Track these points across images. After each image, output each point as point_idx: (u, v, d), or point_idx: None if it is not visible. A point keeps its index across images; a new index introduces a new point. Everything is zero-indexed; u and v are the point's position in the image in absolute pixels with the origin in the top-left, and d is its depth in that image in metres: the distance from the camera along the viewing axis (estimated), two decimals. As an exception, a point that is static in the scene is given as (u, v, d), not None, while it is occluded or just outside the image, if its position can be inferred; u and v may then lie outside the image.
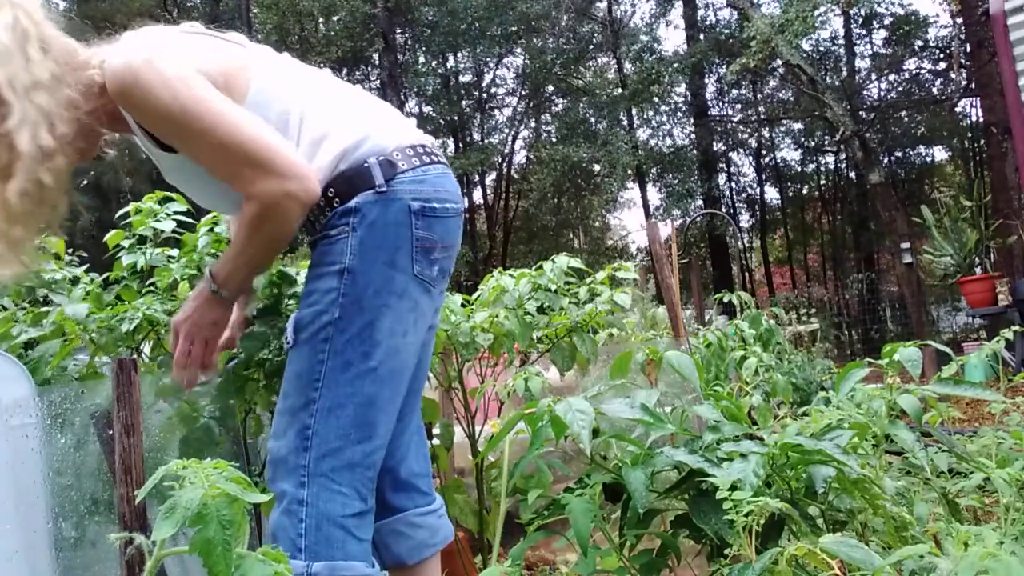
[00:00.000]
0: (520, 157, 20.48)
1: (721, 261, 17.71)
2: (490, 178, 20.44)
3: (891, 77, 18.22)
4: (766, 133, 20.35)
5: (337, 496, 1.24)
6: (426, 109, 18.66)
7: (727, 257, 18.47)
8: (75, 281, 1.78)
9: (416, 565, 1.45)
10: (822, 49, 17.59)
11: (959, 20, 12.07)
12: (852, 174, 19.36)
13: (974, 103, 16.22)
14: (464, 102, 19.29)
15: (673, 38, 48.62)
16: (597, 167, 16.93)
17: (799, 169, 21.23)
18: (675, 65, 15.52)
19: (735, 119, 20.02)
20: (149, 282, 1.81)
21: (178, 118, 1.20)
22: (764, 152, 20.79)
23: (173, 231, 1.80)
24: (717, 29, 17.40)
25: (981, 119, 12.62)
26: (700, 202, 17.00)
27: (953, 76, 16.15)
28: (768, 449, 1.19)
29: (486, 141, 19.10)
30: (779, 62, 12.81)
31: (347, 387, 1.26)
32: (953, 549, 0.91)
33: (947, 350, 1.66)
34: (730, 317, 5.01)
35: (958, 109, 18.06)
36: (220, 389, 1.53)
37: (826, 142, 18.89)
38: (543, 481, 1.65)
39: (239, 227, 1.31)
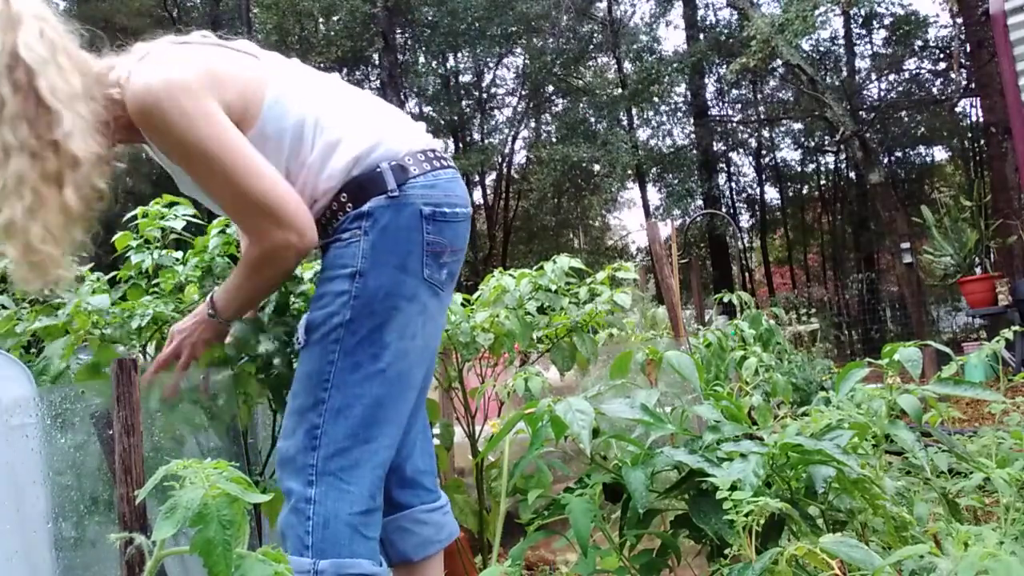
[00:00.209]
0: (520, 157, 20.50)
1: (721, 261, 17.71)
2: (490, 178, 20.45)
3: (891, 77, 18.22)
4: (766, 133, 20.35)
5: (345, 495, 1.26)
6: (426, 109, 18.65)
7: (727, 257, 18.47)
8: (80, 279, 1.79)
9: (421, 562, 1.46)
10: (822, 49, 17.59)
11: (959, 20, 12.07)
12: (852, 174, 19.35)
13: (974, 103, 16.22)
14: (464, 102, 19.28)
15: (673, 38, 48.67)
16: (597, 167, 16.92)
17: (799, 169, 21.23)
18: (675, 65, 15.52)
19: (735, 119, 20.02)
20: (154, 283, 1.81)
21: (196, 155, 1.24)
22: (764, 152, 20.78)
23: (182, 232, 1.81)
24: (717, 29, 17.40)
25: (981, 119, 12.63)
26: (700, 202, 17.00)
27: (953, 76, 16.15)
28: (768, 449, 1.19)
29: (486, 141, 19.10)
30: (779, 62, 12.82)
31: (356, 388, 1.28)
32: (953, 549, 0.91)
33: (947, 350, 1.66)
34: (730, 317, 5.02)
35: (958, 109, 18.07)
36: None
37: (826, 142, 18.89)
38: (543, 481, 1.66)
39: (241, 264, 1.37)
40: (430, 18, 17.13)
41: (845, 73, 17.38)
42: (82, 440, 1.46)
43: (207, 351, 1.45)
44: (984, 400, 2.07)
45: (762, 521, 1.02)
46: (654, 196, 19.54)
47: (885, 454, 1.42)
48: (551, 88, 18.74)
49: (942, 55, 16.80)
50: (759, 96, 19.89)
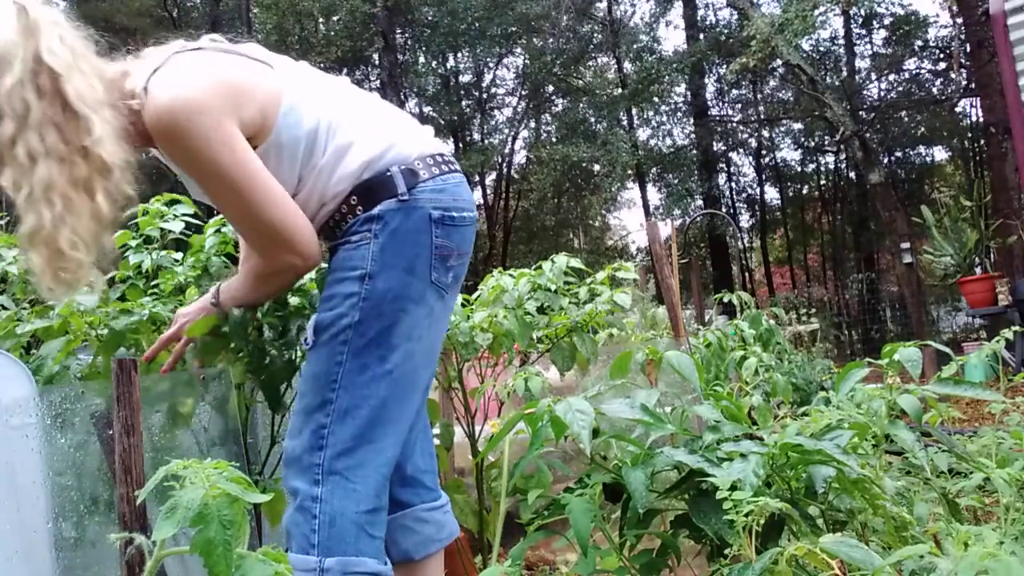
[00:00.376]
0: (520, 157, 20.49)
1: (721, 261, 17.71)
2: (490, 178, 20.44)
3: (891, 77, 18.22)
4: (766, 133, 20.35)
5: (351, 493, 1.27)
6: (426, 109, 18.65)
7: (727, 257, 18.47)
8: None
9: (422, 560, 1.47)
10: (822, 49, 17.58)
11: (959, 20, 12.07)
12: (852, 174, 19.35)
13: (974, 103, 16.22)
14: (464, 102, 19.28)
15: (673, 38, 48.61)
16: (597, 167, 16.92)
17: (799, 169, 21.22)
18: (675, 65, 15.51)
19: (735, 119, 20.02)
20: (153, 284, 1.81)
21: (214, 178, 1.25)
22: (764, 152, 20.78)
23: (181, 232, 1.81)
24: (717, 29, 17.40)
25: (981, 119, 12.63)
26: (700, 202, 17.00)
27: (953, 76, 16.15)
28: (768, 449, 1.19)
29: (486, 141, 19.09)
30: (779, 62, 12.82)
31: (363, 389, 1.29)
32: (953, 549, 0.91)
33: (947, 350, 1.66)
34: (730, 317, 5.02)
35: (958, 109, 18.07)
36: (201, 348, 1.54)
37: (826, 142, 18.89)
38: (543, 481, 1.66)
39: (247, 270, 1.41)
40: (430, 18, 17.12)
41: (845, 73, 17.38)
42: (82, 440, 1.46)
43: (202, 320, 1.48)
44: (984, 400, 2.07)
45: (762, 521, 1.02)
46: (654, 196, 19.57)
47: (885, 454, 1.42)
48: (551, 88, 18.74)
49: (942, 55, 16.80)
50: (759, 96, 19.89)
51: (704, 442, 1.27)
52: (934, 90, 17.77)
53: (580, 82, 18.72)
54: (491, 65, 19.50)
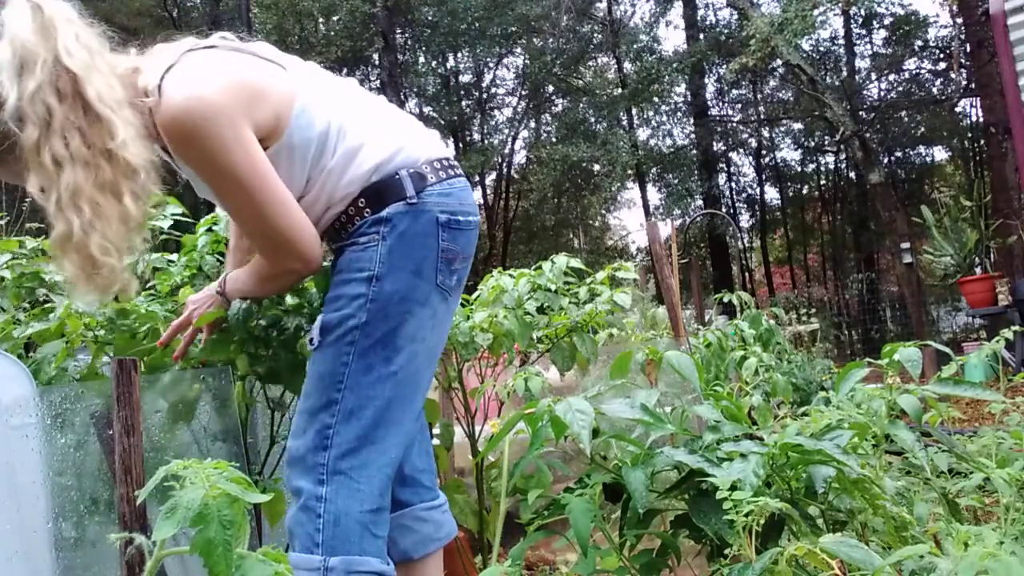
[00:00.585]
0: (520, 157, 20.49)
1: (721, 261, 17.70)
2: (490, 178, 20.44)
3: (891, 77, 18.21)
4: (766, 133, 20.35)
5: (356, 493, 1.27)
6: (426, 109, 18.65)
7: (727, 257, 18.47)
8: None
9: (421, 559, 1.48)
10: (822, 49, 17.58)
11: (959, 20, 12.07)
12: (852, 174, 19.35)
13: (974, 103, 16.22)
14: (464, 102, 19.28)
15: (673, 38, 48.59)
16: (597, 167, 16.92)
17: (799, 169, 21.22)
18: (675, 65, 15.51)
19: (735, 119, 20.02)
20: (149, 285, 1.81)
21: (226, 182, 1.25)
22: (764, 152, 20.78)
23: (170, 231, 1.81)
24: (717, 29, 17.39)
25: (981, 119, 12.62)
26: (700, 202, 16.99)
27: (953, 76, 16.15)
28: (768, 449, 1.19)
29: (486, 141, 19.10)
30: (779, 62, 12.82)
31: (368, 390, 1.30)
32: (953, 549, 0.91)
33: (947, 350, 1.66)
34: (730, 317, 5.02)
35: (958, 109, 18.07)
36: (207, 346, 1.54)
37: (826, 142, 18.89)
38: (543, 481, 1.66)
39: (252, 266, 1.42)
40: (430, 18, 17.12)
41: (845, 73, 17.38)
42: (82, 440, 1.46)
43: (208, 313, 1.48)
44: (984, 400, 2.07)
45: (762, 521, 1.02)
46: (654, 196, 19.57)
47: (885, 454, 1.42)
48: (551, 88, 18.73)
49: (942, 55, 16.80)
50: (759, 96, 19.89)
51: (704, 442, 1.27)
52: (934, 90, 17.77)
53: (580, 82, 18.72)
54: (491, 65, 19.50)
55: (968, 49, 11.86)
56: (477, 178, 19.32)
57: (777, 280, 22.10)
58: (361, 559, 1.26)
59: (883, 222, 12.51)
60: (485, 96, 19.66)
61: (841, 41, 17.71)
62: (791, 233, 22.18)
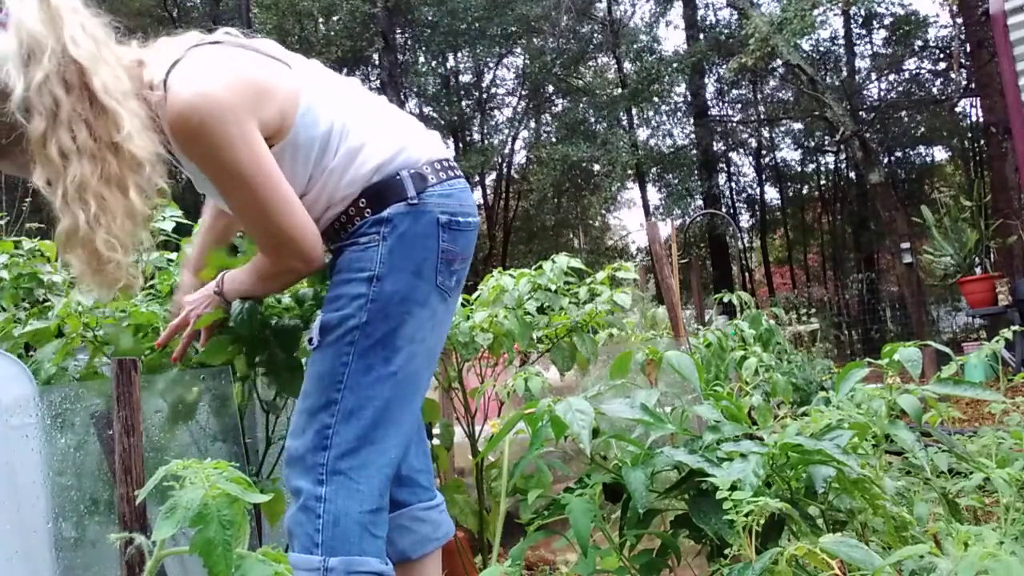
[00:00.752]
0: (520, 157, 20.50)
1: (721, 261, 17.70)
2: (490, 178, 20.44)
3: (891, 77, 18.22)
4: (766, 133, 20.35)
5: (355, 493, 1.27)
6: (426, 109, 18.65)
7: (727, 257, 18.47)
8: (73, 283, 1.79)
9: (419, 559, 1.48)
10: (822, 49, 17.58)
11: (959, 20, 12.07)
12: (852, 174, 19.35)
13: (974, 103, 16.21)
14: (464, 102, 19.29)
15: (673, 38, 48.59)
16: (597, 167, 16.93)
17: (799, 169, 21.22)
18: (675, 65, 15.51)
19: (735, 119, 20.02)
20: (149, 284, 1.81)
21: (231, 180, 1.24)
22: (764, 152, 20.78)
23: (170, 234, 1.81)
24: (717, 29, 17.39)
25: (981, 119, 12.62)
26: (700, 202, 16.99)
27: (953, 76, 16.15)
28: (768, 449, 1.19)
29: (486, 141, 19.10)
30: (779, 62, 12.82)
31: (368, 390, 1.29)
32: (953, 549, 0.91)
33: (947, 350, 1.66)
34: (730, 317, 5.01)
35: (958, 109, 18.07)
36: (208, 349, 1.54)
37: (826, 142, 18.89)
38: (543, 481, 1.65)
39: (252, 265, 1.40)
40: (430, 18, 17.12)
41: (845, 73, 17.38)
42: (82, 440, 1.46)
43: (207, 315, 1.47)
44: (984, 400, 2.07)
45: (762, 521, 1.02)
46: (654, 196, 19.57)
47: (885, 454, 1.42)
48: (551, 88, 18.74)
49: (942, 55, 16.80)
50: (759, 96, 19.89)
51: (704, 442, 1.27)
52: (934, 90, 17.77)
53: (580, 82, 18.72)
54: (491, 65, 19.50)
55: (968, 49, 11.86)
56: (477, 178, 19.32)
57: (777, 280, 22.09)
58: (361, 559, 1.26)
59: (883, 222, 12.51)
60: (485, 96, 19.66)
61: (841, 41, 17.71)
62: (791, 233, 22.18)
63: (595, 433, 1.28)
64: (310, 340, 1.34)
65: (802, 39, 11.74)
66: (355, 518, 1.27)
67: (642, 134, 18.19)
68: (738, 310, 3.73)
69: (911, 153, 19.73)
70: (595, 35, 18.23)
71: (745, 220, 22.24)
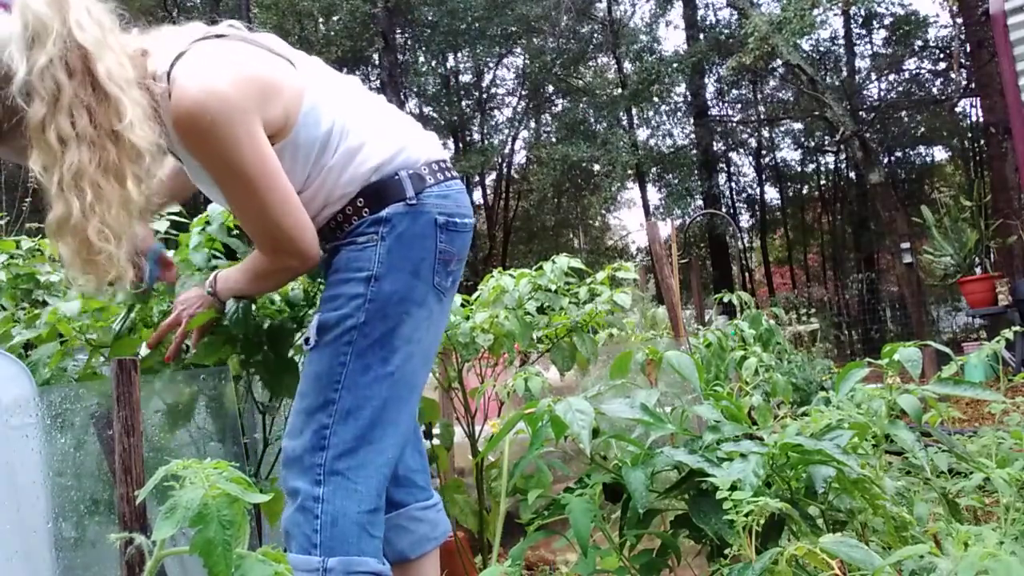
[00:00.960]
0: (520, 157, 20.51)
1: (721, 261, 17.70)
2: (490, 178, 20.46)
3: (891, 77, 18.22)
4: (766, 133, 20.35)
5: (353, 494, 1.27)
6: (426, 109, 18.66)
7: (727, 257, 18.46)
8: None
9: (418, 559, 1.48)
10: (822, 49, 17.59)
11: (959, 20, 12.07)
12: (852, 174, 19.35)
13: (974, 103, 16.21)
14: (464, 102, 19.29)
15: (673, 38, 48.59)
16: (597, 167, 16.93)
17: (799, 169, 21.22)
18: (675, 65, 15.51)
19: (735, 119, 20.02)
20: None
21: (234, 177, 1.23)
22: (764, 152, 20.78)
23: (168, 232, 1.80)
24: (717, 29, 17.39)
25: (981, 119, 12.62)
26: (700, 202, 16.99)
27: (953, 76, 16.15)
28: (768, 449, 1.18)
29: (486, 141, 19.10)
30: (779, 62, 12.81)
31: (366, 390, 1.29)
32: (953, 549, 0.91)
33: (947, 350, 1.66)
34: (730, 317, 5.01)
35: (958, 109, 18.07)
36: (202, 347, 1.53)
37: (826, 142, 18.89)
38: (543, 481, 1.65)
39: (247, 263, 1.39)
40: (430, 18, 17.13)
41: (845, 73, 17.38)
42: (82, 440, 1.46)
43: (200, 315, 1.46)
44: (984, 400, 2.07)
45: (762, 521, 1.02)
46: (654, 196, 19.57)
47: (885, 454, 1.42)
48: (551, 88, 18.75)
49: (942, 55, 16.80)
50: (759, 96, 19.89)
51: (704, 442, 1.27)
52: (934, 90, 17.77)
53: (580, 82, 18.73)
54: (491, 65, 19.50)
55: (968, 49, 11.86)
56: (477, 178, 19.33)
57: (777, 280, 22.09)
58: (359, 559, 1.26)
59: (883, 222, 12.51)
60: (485, 96, 19.66)
61: (841, 41, 17.72)
62: (791, 233, 22.18)
63: (595, 433, 1.28)
64: (306, 340, 1.34)
65: (802, 39, 11.74)
66: (353, 518, 1.26)
67: (642, 134, 18.21)
68: (738, 310, 3.73)
69: (911, 153, 19.73)
70: (595, 35, 18.24)
71: (745, 220, 22.25)
